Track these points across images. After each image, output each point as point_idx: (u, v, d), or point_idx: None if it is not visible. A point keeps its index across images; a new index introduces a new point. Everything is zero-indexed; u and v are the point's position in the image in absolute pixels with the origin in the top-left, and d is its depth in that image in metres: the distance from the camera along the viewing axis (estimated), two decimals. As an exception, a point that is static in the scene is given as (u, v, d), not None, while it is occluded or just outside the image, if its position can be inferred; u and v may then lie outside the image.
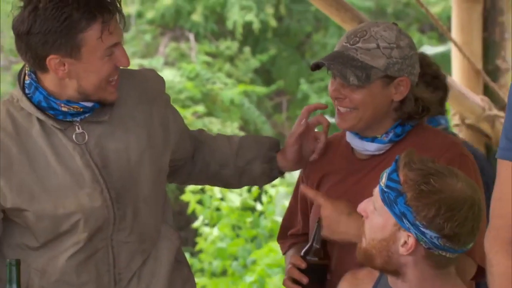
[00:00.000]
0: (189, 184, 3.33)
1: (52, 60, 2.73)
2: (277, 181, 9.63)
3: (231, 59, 13.03)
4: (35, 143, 2.78)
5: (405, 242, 2.48)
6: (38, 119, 2.79)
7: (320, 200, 2.88)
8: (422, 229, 2.46)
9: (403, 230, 2.48)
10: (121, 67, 2.83)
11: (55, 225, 2.78)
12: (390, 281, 2.58)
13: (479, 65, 5.41)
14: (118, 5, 2.76)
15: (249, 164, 3.06)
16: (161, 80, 2.99)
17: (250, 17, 12.62)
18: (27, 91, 2.81)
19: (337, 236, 2.84)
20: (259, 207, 9.31)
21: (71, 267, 2.81)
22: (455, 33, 5.47)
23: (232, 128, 11.85)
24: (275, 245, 8.19)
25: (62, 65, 2.74)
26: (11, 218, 2.80)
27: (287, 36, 13.52)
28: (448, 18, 8.03)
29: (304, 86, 12.75)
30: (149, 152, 2.86)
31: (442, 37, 11.45)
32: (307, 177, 3.09)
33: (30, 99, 2.79)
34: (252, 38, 12.96)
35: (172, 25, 13.27)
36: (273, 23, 12.87)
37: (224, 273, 9.01)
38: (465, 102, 5.32)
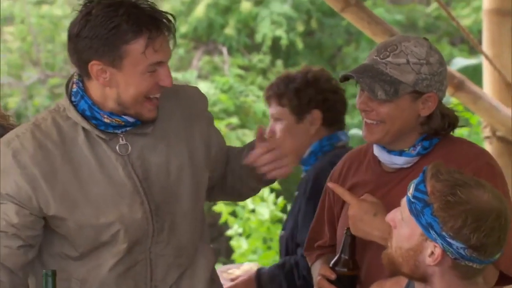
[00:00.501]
0: (214, 200, 3.33)
1: (94, 66, 2.73)
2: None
3: (263, 72, 13.04)
4: (79, 152, 2.78)
5: (432, 253, 2.47)
6: (83, 129, 2.79)
7: (348, 198, 2.88)
8: (448, 239, 2.44)
9: (429, 240, 2.47)
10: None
11: (95, 235, 2.78)
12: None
13: (510, 78, 5.38)
14: (171, 25, 2.76)
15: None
16: (204, 98, 2.99)
17: (280, 32, 12.63)
18: (73, 98, 2.81)
19: (361, 233, 2.83)
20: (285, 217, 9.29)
21: (111, 279, 2.81)
22: (485, 46, 5.44)
23: (264, 140, 11.85)
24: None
25: (104, 72, 2.74)
26: (52, 227, 2.80)
27: (319, 49, 13.51)
28: (479, 31, 8.00)
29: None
30: (190, 168, 2.86)
31: (473, 50, 11.39)
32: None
33: (75, 107, 2.80)
34: (284, 52, 12.96)
35: (205, 39, 13.31)
36: (300, 41, 12.85)
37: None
38: (496, 115, 5.29)
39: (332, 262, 2.89)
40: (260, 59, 12.94)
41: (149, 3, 2.76)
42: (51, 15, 12.85)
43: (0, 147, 2.76)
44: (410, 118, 2.89)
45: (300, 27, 12.96)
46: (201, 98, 2.98)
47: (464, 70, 7.62)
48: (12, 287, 2.73)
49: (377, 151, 2.97)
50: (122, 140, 2.80)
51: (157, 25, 2.72)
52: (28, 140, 2.76)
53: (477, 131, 6.66)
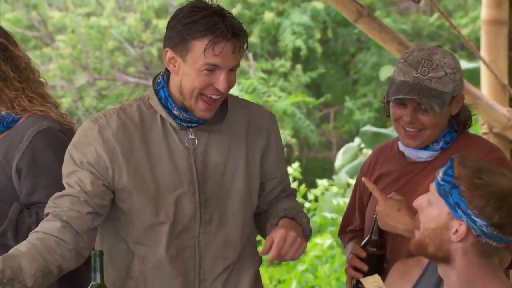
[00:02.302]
0: None
1: (167, 53, 2.75)
2: (327, 182, 9.62)
3: (284, 76, 13.02)
4: (154, 137, 2.80)
5: (457, 230, 2.47)
6: (161, 118, 2.81)
7: (376, 193, 2.86)
8: (473, 217, 2.45)
9: (455, 219, 2.47)
10: (239, 97, 2.88)
11: (154, 212, 2.78)
12: (439, 269, 2.56)
13: (505, 80, 5.36)
14: (242, 37, 2.73)
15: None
16: (271, 117, 2.96)
17: (299, 42, 12.61)
18: (156, 87, 2.83)
19: (387, 227, 2.83)
20: (306, 204, 9.28)
21: (166, 259, 2.80)
22: (483, 52, 5.41)
23: (284, 135, 11.83)
24: (319, 240, 8.18)
25: (174, 60, 2.75)
26: (117, 203, 2.81)
27: (334, 56, 13.48)
28: (476, 39, 7.95)
29: (348, 103, 12.74)
30: (244, 173, 2.85)
31: (472, 55, 11.32)
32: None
33: (157, 95, 2.82)
34: (303, 58, 12.95)
35: (233, 46, 13.30)
36: (318, 48, 12.85)
37: (278, 263, 8.99)
38: (493, 113, 5.27)
39: (363, 242, 2.90)
40: (281, 64, 12.92)
41: (233, 16, 2.75)
42: (98, 26, 12.87)
43: (87, 123, 2.81)
44: (446, 121, 2.89)
45: (318, 35, 12.94)
46: (268, 116, 2.95)
47: (464, 73, 7.55)
48: (76, 248, 2.72)
49: (402, 146, 2.94)
50: (191, 134, 2.81)
51: (224, 32, 2.69)
52: (114, 120, 2.80)
53: (475, 128, 6.63)
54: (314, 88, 13.36)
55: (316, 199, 9.34)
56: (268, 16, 12.90)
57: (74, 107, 12.53)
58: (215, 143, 2.82)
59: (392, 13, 13.60)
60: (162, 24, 12.95)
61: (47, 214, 2.77)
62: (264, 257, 2.91)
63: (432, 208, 2.51)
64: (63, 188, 2.81)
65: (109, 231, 2.85)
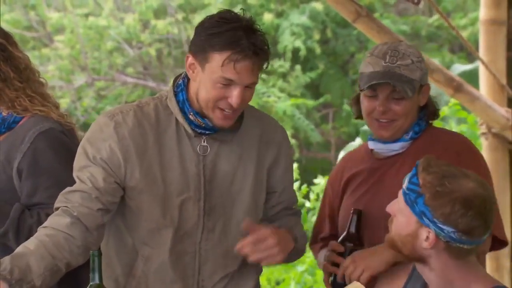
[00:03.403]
0: None
1: (189, 58, 2.75)
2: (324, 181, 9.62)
3: (284, 76, 13.02)
4: (168, 139, 2.79)
5: (427, 237, 2.48)
6: (176, 121, 2.80)
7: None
8: (439, 225, 2.45)
9: (424, 226, 2.48)
10: (255, 107, 2.89)
11: (161, 213, 2.77)
12: (418, 269, 2.58)
13: (504, 81, 5.36)
14: (262, 55, 2.70)
15: None
16: (283, 132, 2.95)
17: (298, 43, 12.61)
18: (176, 89, 2.82)
19: (377, 271, 2.79)
20: (307, 204, 9.27)
21: (167, 262, 2.79)
22: (482, 53, 5.41)
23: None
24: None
25: (194, 67, 2.74)
26: (127, 200, 2.80)
27: (333, 56, 13.48)
28: (475, 40, 7.95)
29: (347, 106, 12.74)
30: (252, 185, 2.83)
31: (470, 56, 11.33)
32: (331, 185, 3.12)
33: (176, 97, 2.81)
34: (302, 58, 12.95)
35: (232, 47, 13.30)
36: (318, 49, 12.85)
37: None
38: (491, 114, 5.27)
39: (340, 238, 2.91)
40: (280, 64, 12.92)
41: (260, 29, 2.72)
42: (97, 26, 12.87)
43: (102, 119, 2.79)
44: (415, 111, 2.93)
45: (317, 36, 12.95)
46: (280, 129, 2.94)
47: (463, 74, 7.58)
48: (84, 243, 2.72)
49: (372, 144, 2.99)
50: (204, 142, 2.80)
51: (246, 49, 2.67)
52: (130, 117, 2.79)
53: (474, 128, 6.63)
54: (313, 88, 13.37)
55: (317, 198, 9.34)
56: (267, 17, 12.91)
57: (73, 108, 12.53)
58: (226, 152, 2.81)
59: (391, 13, 13.61)
60: (160, 24, 12.96)
61: (57, 209, 2.75)
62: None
63: (401, 216, 2.52)
64: (64, 188, 2.81)
65: (117, 226, 2.84)
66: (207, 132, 2.79)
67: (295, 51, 12.74)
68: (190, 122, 2.78)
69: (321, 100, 13.04)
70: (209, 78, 2.71)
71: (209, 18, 2.72)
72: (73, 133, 3.20)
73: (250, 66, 2.69)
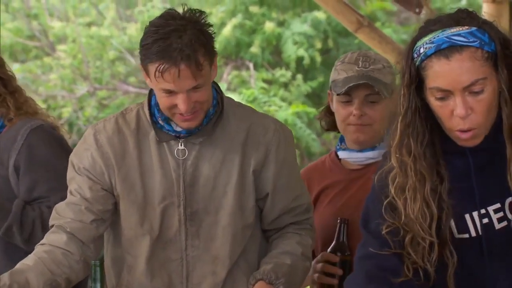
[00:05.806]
0: None
1: (141, 69, 2.70)
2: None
3: (285, 85, 13.03)
4: (148, 145, 2.76)
5: None
6: (154, 127, 2.76)
7: None
8: None
9: None
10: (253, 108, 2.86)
11: (138, 221, 2.75)
12: None
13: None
14: (193, 57, 2.57)
15: None
16: (276, 131, 2.80)
17: (301, 52, 12.63)
18: (150, 95, 2.80)
19: None
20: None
21: (147, 270, 2.77)
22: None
23: (286, 145, 11.84)
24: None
25: (146, 77, 2.70)
26: (118, 208, 2.78)
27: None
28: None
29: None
30: (236, 188, 2.75)
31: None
32: None
33: (150, 102, 2.78)
34: (303, 68, 12.97)
35: (234, 56, 13.31)
36: (318, 57, 12.89)
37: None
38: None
39: (330, 248, 2.87)
40: (282, 73, 12.94)
41: (200, 24, 2.61)
42: (99, 35, 12.88)
43: (87, 130, 2.81)
44: (388, 116, 2.90)
45: (318, 45, 12.97)
46: (272, 132, 2.79)
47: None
48: (83, 258, 2.71)
49: (344, 154, 2.97)
50: (181, 145, 2.76)
51: (173, 57, 2.57)
52: (111, 124, 2.78)
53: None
54: (314, 97, 13.37)
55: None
56: (269, 26, 12.93)
57: (75, 117, 12.53)
58: (207, 155, 2.75)
59: (393, 23, 13.62)
60: (162, 34, 12.97)
61: (52, 226, 2.75)
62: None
63: None
64: (63, 180, 2.82)
65: (109, 236, 2.84)
66: (181, 134, 2.75)
67: (299, 60, 12.76)
68: (161, 127, 2.76)
69: (322, 108, 13.05)
70: (155, 89, 2.70)
71: (146, 27, 2.66)
72: (60, 132, 3.26)
73: (183, 72, 2.58)
